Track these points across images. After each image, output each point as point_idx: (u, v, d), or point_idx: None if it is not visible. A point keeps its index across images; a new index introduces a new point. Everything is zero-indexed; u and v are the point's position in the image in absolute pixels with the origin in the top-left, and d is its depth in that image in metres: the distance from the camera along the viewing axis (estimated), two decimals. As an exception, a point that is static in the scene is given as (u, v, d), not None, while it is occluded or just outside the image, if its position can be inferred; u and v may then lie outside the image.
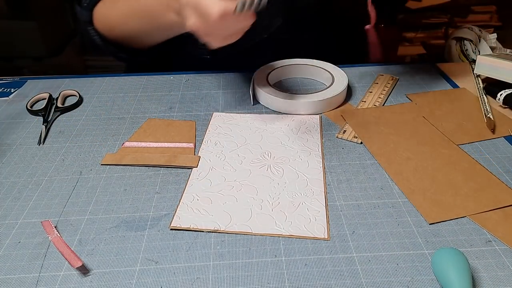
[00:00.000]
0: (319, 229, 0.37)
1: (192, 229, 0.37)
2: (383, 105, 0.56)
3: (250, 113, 0.55)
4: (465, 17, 1.37)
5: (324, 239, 0.36)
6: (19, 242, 0.37)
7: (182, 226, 0.38)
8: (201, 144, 0.49)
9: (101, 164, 0.46)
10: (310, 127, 0.51)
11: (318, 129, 0.51)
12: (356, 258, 0.35)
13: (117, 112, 0.56)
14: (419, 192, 0.41)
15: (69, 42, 1.65)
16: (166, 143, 0.49)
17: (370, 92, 0.59)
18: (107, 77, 0.65)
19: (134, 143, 0.49)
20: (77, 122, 0.54)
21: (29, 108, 0.56)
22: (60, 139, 0.50)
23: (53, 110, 0.56)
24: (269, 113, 0.55)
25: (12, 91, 0.62)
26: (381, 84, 0.61)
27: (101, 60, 1.58)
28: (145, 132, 0.51)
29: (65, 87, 0.62)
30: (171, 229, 0.38)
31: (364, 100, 0.57)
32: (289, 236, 0.37)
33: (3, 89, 0.62)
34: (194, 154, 0.47)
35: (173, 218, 0.39)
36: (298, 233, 0.37)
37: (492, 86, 0.58)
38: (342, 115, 0.54)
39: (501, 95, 0.56)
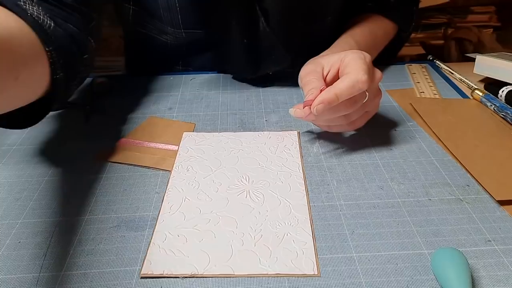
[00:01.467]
0: (308, 264, 0.34)
1: (166, 275, 0.33)
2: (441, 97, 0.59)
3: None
4: (465, 17, 1.37)
5: (314, 276, 0.33)
6: (19, 242, 0.37)
7: (154, 273, 0.33)
8: (171, 171, 0.44)
9: (95, 159, 0.46)
10: (288, 145, 0.48)
11: (297, 147, 0.48)
12: (356, 258, 0.35)
13: (117, 112, 0.56)
14: (487, 174, 0.43)
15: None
16: (160, 144, 0.49)
17: (418, 82, 0.61)
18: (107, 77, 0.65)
19: (130, 140, 0.49)
20: (77, 122, 0.54)
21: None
22: (60, 139, 0.50)
23: (90, 95, 0.59)
24: (243, 131, 0.52)
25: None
26: (419, 74, 0.64)
27: (101, 60, 1.58)
28: (143, 130, 0.51)
29: (65, 87, 0.62)
30: (141, 278, 0.33)
31: (422, 91, 0.59)
32: (276, 276, 0.33)
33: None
34: None
35: (143, 263, 0.34)
36: (285, 271, 0.33)
37: (492, 85, 0.59)
38: (411, 103, 0.56)
39: (502, 91, 0.56)
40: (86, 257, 0.35)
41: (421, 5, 0.64)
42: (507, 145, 0.47)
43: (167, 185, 0.42)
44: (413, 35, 1.36)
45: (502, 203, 0.40)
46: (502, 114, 0.52)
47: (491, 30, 1.34)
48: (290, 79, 0.48)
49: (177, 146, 0.48)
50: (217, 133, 0.51)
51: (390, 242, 0.36)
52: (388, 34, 0.63)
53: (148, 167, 0.45)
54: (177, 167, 0.45)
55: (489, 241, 0.36)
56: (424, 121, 0.52)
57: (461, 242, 0.36)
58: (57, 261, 0.35)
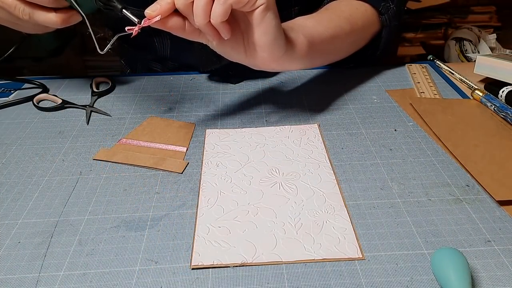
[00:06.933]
0: (351, 248, 0.35)
1: (216, 265, 0.34)
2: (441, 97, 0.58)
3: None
4: (465, 17, 1.37)
5: (359, 259, 0.34)
6: (19, 242, 0.37)
7: (205, 264, 0.34)
8: (202, 166, 0.45)
9: (93, 159, 0.46)
10: (311, 137, 0.50)
11: (320, 139, 0.49)
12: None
13: (117, 112, 0.56)
14: (487, 174, 0.43)
15: (69, 43, 1.65)
16: (159, 144, 0.49)
17: (418, 82, 0.61)
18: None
19: (130, 140, 0.49)
20: (77, 122, 0.54)
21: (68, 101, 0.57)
22: (60, 139, 0.51)
23: (91, 95, 0.60)
24: (264, 126, 0.53)
25: (12, 91, 0.62)
26: (419, 74, 0.63)
27: (101, 61, 1.58)
28: (143, 130, 0.51)
29: (65, 87, 0.62)
30: (192, 269, 0.34)
31: (422, 91, 0.59)
32: (322, 260, 0.34)
33: (3, 90, 0.62)
34: (184, 159, 0.47)
35: (192, 255, 0.35)
36: (330, 256, 0.35)
37: (492, 85, 0.59)
38: (411, 103, 0.56)
39: (503, 91, 0.56)
40: (86, 257, 0.35)
41: (421, 5, 0.64)
42: (507, 145, 0.47)
43: (199, 181, 0.43)
44: (413, 35, 1.36)
45: (502, 203, 0.40)
46: (502, 115, 0.52)
47: (491, 30, 1.34)
48: (259, 71, 0.47)
49: (177, 146, 0.49)
50: (239, 129, 0.52)
51: (390, 242, 0.36)
52: (366, 18, 0.58)
53: (148, 167, 0.45)
54: (206, 163, 0.46)
55: (489, 241, 0.36)
56: (424, 121, 0.52)
57: (461, 242, 0.36)
58: (57, 261, 0.35)
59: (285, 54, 0.45)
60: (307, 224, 0.38)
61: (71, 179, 0.44)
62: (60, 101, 0.57)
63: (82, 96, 0.60)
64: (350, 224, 0.38)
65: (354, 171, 0.44)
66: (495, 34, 1.13)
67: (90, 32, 0.45)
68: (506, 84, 0.57)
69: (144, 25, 0.40)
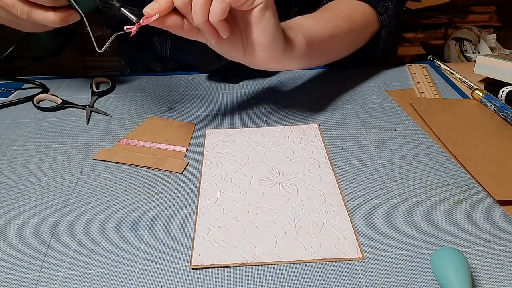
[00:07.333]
0: (351, 248, 0.35)
1: (216, 265, 0.34)
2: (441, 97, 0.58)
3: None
4: (465, 17, 1.37)
5: (359, 259, 0.34)
6: (19, 242, 0.37)
7: (205, 264, 0.34)
8: (202, 166, 0.45)
9: (94, 159, 0.47)
10: (311, 137, 0.50)
11: (320, 139, 0.49)
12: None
13: (117, 112, 0.56)
14: (487, 174, 0.43)
15: (69, 42, 1.65)
16: (159, 144, 0.49)
17: (418, 82, 0.61)
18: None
19: (130, 140, 0.49)
20: (77, 122, 0.54)
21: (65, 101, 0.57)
22: (60, 139, 0.51)
23: (91, 95, 0.60)
24: (264, 126, 0.53)
25: (12, 91, 0.62)
26: (419, 74, 0.63)
27: (101, 61, 1.58)
28: (143, 130, 0.51)
29: (65, 87, 0.62)
30: (192, 269, 0.34)
31: (422, 91, 0.58)
32: (322, 260, 0.34)
33: (3, 90, 0.62)
34: (184, 159, 0.47)
35: (192, 255, 0.35)
36: (330, 256, 0.35)
37: (492, 85, 0.59)
38: (411, 103, 0.56)
39: (503, 91, 0.56)
40: (86, 257, 0.35)
41: (421, 5, 0.64)
42: (507, 145, 0.47)
43: (199, 181, 0.43)
44: (413, 35, 1.36)
45: (502, 203, 0.40)
46: (502, 115, 0.52)
47: (491, 30, 1.34)
48: (259, 71, 0.47)
49: (177, 146, 0.49)
50: (239, 129, 0.52)
51: (390, 242, 0.36)
52: (365, 17, 0.58)
53: (148, 167, 0.45)
54: (206, 163, 0.46)
55: (489, 241, 0.36)
56: (424, 121, 0.52)
57: (461, 242, 0.36)
58: (57, 261, 0.35)
59: (284, 53, 0.45)
60: (307, 224, 0.38)
61: (71, 179, 0.44)
62: (60, 101, 0.57)
63: (82, 96, 0.60)
64: (350, 224, 0.38)
65: (354, 171, 0.44)
66: (495, 34, 1.13)
67: (88, 31, 0.45)
68: (506, 84, 0.57)
69: (142, 24, 0.40)
